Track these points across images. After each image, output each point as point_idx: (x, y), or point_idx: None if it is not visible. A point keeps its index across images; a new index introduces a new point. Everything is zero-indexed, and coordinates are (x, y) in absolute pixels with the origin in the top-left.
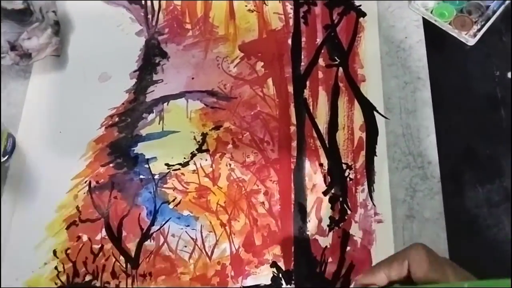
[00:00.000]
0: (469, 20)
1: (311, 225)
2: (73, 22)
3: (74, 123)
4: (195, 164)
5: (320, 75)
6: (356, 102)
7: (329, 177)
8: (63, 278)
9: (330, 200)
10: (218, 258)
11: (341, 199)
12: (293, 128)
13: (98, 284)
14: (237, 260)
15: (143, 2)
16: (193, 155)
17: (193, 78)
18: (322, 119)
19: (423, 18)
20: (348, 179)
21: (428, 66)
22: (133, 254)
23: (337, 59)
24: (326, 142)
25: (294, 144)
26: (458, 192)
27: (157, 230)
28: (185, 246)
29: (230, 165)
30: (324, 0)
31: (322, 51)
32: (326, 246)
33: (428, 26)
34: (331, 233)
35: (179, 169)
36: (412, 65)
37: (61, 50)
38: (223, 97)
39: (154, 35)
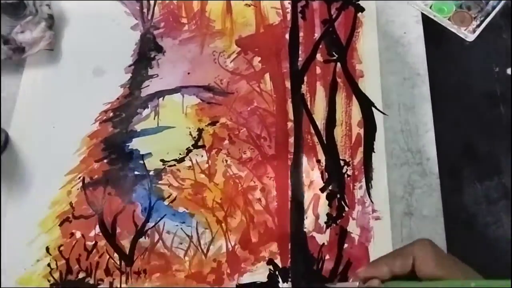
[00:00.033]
0: (469, 16)
1: (308, 222)
2: (67, 15)
3: (68, 118)
4: (190, 160)
5: (318, 70)
6: (354, 98)
7: (326, 173)
8: (56, 275)
9: (327, 197)
10: (214, 255)
11: (338, 195)
12: (290, 124)
13: (91, 281)
14: (233, 257)
15: None
16: (188, 151)
17: (189, 73)
18: (319, 115)
19: (422, 14)
20: (346, 175)
21: (427, 62)
22: (127, 251)
23: (335, 55)
24: (324, 138)
25: (291, 140)
26: (457, 189)
27: (152, 227)
28: (181, 243)
29: (226, 161)
30: None
31: (320, 46)
32: (324, 243)
33: (427, 22)
34: (328, 230)
35: (174, 165)
36: (411, 61)
37: (55, 44)
38: (220, 92)
39: (149, 29)
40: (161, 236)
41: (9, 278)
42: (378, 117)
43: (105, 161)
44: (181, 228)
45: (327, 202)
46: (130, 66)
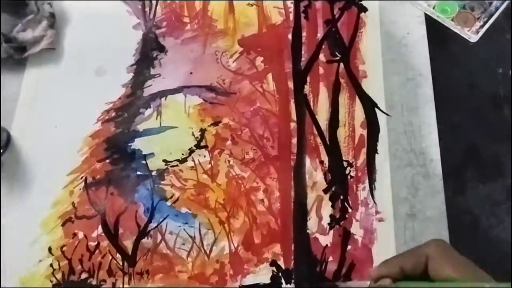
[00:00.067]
0: (472, 17)
1: (312, 224)
2: (69, 14)
3: (69, 118)
4: (193, 160)
5: (321, 70)
6: (357, 99)
7: (329, 174)
8: (59, 275)
9: (330, 198)
10: (216, 256)
11: (341, 197)
12: (293, 125)
13: (94, 282)
14: (236, 258)
15: None
16: (191, 151)
17: (191, 73)
18: (322, 115)
19: (425, 14)
20: (349, 177)
21: (430, 62)
22: (130, 251)
23: (338, 55)
24: (327, 139)
25: (294, 141)
26: (461, 191)
27: (154, 228)
28: (183, 244)
29: (229, 161)
30: None
31: (323, 46)
32: (327, 245)
33: (431, 22)
34: (331, 232)
35: (177, 165)
36: (414, 61)
37: (56, 43)
38: (222, 92)
39: (151, 28)
40: (164, 236)
41: (12, 278)
42: (381, 118)
43: (107, 161)
44: (184, 229)
45: (330, 203)
46: (132, 65)
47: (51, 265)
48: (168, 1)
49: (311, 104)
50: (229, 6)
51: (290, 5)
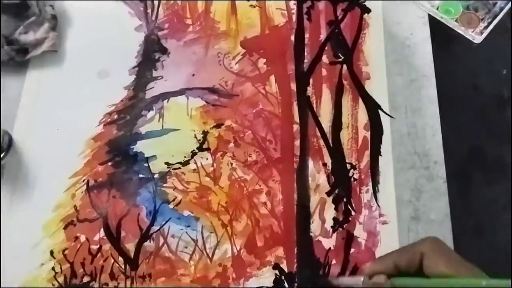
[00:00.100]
0: (476, 17)
1: (315, 226)
2: (70, 16)
3: (71, 120)
4: (195, 163)
5: (324, 72)
6: (360, 100)
7: (333, 177)
8: (61, 279)
9: (334, 201)
10: (219, 259)
11: (345, 199)
12: (296, 127)
13: (96, 285)
14: (238, 261)
15: None
16: (193, 153)
17: (193, 75)
18: (325, 117)
19: (429, 15)
20: (352, 179)
21: (434, 63)
22: (132, 255)
23: (341, 56)
24: (330, 141)
25: (297, 143)
26: (465, 193)
27: (156, 231)
28: (186, 247)
29: (231, 164)
30: None
31: (326, 48)
32: (330, 248)
33: (434, 23)
34: (334, 235)
35: (179, 168)
36: (418, 62)
37: (58, 45)
38: (225, 94)
39: (153, 30)
40: (166, 240)
41: (13, 282)
42: (384, 119)
43: (109, 163)
44: (186, 232)
45: (333, 206)
46: (134, 67)
47: (53, 268)
48: (171, 3)
49: (314, 106)
50: (231, 8)
51: (293, 6)
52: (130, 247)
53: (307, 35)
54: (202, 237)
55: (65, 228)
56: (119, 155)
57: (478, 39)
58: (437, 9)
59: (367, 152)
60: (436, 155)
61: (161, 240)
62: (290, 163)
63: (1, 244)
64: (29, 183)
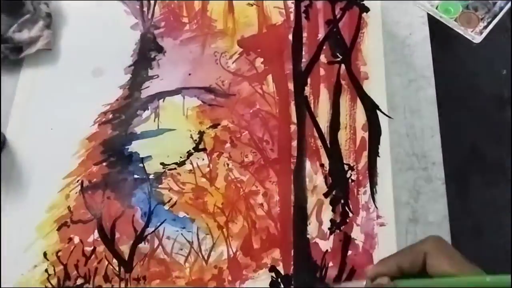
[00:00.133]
0: (475, 17)
1: (312, 228)
2: (65, 14)
3: (66, 120)
4: (191, 163)
5: (322, 72)
6: (358, 101)
7: (330, 178)
8: (54, 281)
9: (331, 202)
10: (215, 261)
11: (342, 201)
12: (293, 127)
13: (90, 287)
14: (234, 264)
15: None
16: (189, 154)
17: (190, 74)
18: (323, 118)
19: (428, 14)
20: (350, 180)
21: (433, 63)
22: (126, 257)
23: (339, 56)
24: (328, 142)
25: (294, 143)
26: (463, 195)
27: (151, 232)
28: (181, 249)
29: (228, 165)
30: None
31: (324, 47)
32: (327, 250)
33: (433, 23)
34: (332, 237)
35: (175, 168)
36: (417, 62)
37: (53, 43)
38: (221, 94)
39: (149, 28)
40: (161, 241)
41: (6, 284)
42: (383, 120)
43: (104, 164)
44: (182, 234)
45: (330, 207)
46: (129, 66)
47: (46, 270)
48: (167, 1)
49: (312, 106)
50: (228, 6)
51: (291, 5)
52: (125, 248)
53: (305, 34)
54: (198, 238)
55: (58, 229)
56: (114, 155)
57: (477, 38)
58: (437, 8)
59: (365, 153)
60: (435, 156)
61: (156, 242)
62: (287, 164)
63: None
64: (22, 183)
